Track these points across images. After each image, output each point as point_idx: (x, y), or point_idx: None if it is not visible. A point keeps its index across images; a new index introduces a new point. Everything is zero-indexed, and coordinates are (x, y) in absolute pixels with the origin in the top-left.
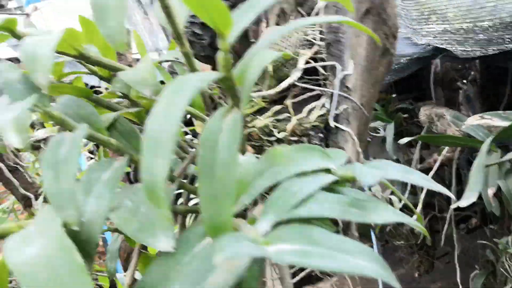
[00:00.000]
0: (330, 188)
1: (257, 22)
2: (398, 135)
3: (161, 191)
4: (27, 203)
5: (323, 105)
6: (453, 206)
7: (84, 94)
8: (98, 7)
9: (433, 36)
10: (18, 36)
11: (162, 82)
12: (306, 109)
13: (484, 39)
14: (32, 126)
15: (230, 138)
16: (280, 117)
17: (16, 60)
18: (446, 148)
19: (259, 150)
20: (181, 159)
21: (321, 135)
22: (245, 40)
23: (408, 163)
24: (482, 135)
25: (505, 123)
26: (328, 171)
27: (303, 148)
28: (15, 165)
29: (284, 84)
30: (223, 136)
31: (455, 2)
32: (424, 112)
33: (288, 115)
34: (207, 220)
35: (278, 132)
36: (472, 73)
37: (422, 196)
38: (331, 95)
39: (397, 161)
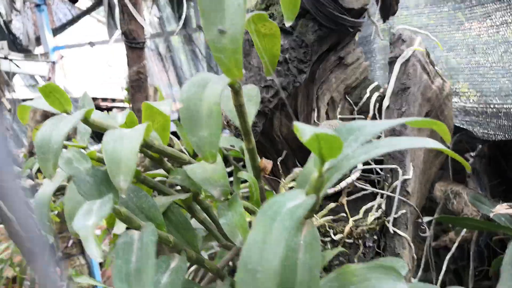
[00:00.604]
0: None
1: (309, 109)
2: None
3: None
4: None
5: (379, 206)
6: None
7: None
8: (189, 114)
9: (453, 116)
10: (91, 125)
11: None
12: (362, 210)
13: (509, 125)
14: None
15: (310, 257)
16: (336, 216)
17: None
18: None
19: None
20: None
21: (375, 237)
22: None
23: (421, 238)
24: (504, 220)
25: None
26: None
27: (375, 267)
28: None
29: (343, 184)
30: (302, 254)
31: (479, 87)
32: (440, 188)
33: (344, 214)
34: None
35: (335, 234)
36: (480, 146)
37: (441, 275)
38: (387, 196)
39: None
